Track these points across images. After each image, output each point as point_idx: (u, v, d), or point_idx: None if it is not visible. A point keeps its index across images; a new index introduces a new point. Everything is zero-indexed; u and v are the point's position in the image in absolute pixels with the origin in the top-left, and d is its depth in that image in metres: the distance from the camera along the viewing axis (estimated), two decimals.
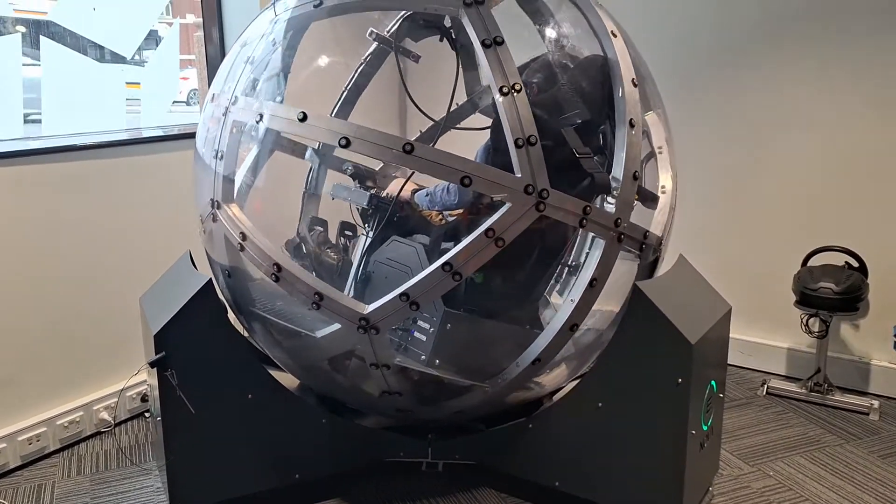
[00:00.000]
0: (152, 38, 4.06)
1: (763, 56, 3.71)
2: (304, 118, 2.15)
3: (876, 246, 3.49)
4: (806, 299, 3.43)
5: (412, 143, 2.06)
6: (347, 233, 2.87)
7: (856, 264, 3.48)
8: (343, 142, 2.09)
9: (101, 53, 3.77)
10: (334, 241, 2.87)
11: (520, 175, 2.07)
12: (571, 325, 2.28)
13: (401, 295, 2.16)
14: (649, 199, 2.51)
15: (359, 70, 2.89)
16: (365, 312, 2.19)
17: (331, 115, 2.84)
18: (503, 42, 2.11)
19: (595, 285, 2.25)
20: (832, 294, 3.35)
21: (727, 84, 3.83)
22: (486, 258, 2.11)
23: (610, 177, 2.28)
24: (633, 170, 2.27)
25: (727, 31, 3.79)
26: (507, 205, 2.08)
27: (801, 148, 3.67)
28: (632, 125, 2.28)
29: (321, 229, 2.89)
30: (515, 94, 2.07)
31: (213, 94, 2.50)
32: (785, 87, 3.68)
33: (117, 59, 3.70)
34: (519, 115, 2.06)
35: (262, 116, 2.27)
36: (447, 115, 2.63)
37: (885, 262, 3.48)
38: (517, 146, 2.06)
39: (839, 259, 3.51)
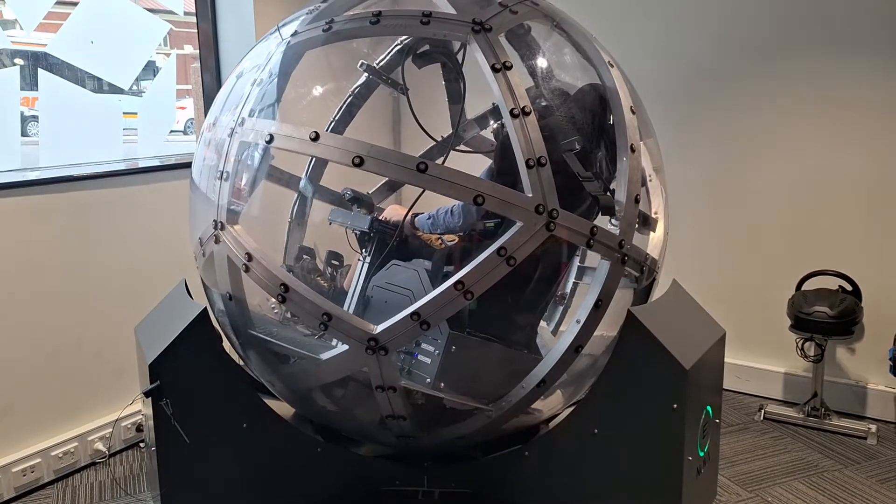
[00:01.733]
0: (150, 69, 4.10)
1: (753, 82, 3.74)
2: (316, 137, 2.15)
3: (869, 269, 3.50)
4: (800, 323, 3.44)
5: (426, 161, 2.09)
6: (334, 262, 2.87)
7: (849, 288, 3.49)
8: (357, 160, 2.10)
9: (99, 84, 3.80)
10: (322, 270, 2.87)
11: (531, 195, 2.11)
12: (577, 347, 2.31)
13: (411, 314, 2.16)
14: (647, 224, 2.54)
15: (347, 101, 2.91)
16: (374, 332, 2.20)
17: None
18: (512, 67, 2.16)
19: (600, 306, 2.28)
20: (827, 318, 3.36)
21: (718, 110, 3.86)
22: (498, 277, 2.13)
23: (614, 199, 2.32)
24: (634, 193, 2.32)
25: (716, 59, 3.83)
26: (519, 224, 2.11)
27: (793, 172, 3.70)
28: (632, 150, 2.33)
29: (309, 258, 2.89)
30: (525, 116, 2.12)
31: (213, 120, 2.50)
32: (776, 112, 3.71)
33: (115, 90, 3.74)
34: (529, 137, 2.11)
35: (272, 137, 2.25)
36: (454, 134, 2.65)
37: (879, 286, 3.49)
38: (528, 166, 2.10)
39: (833, 283, 3.52)
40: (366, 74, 2.80)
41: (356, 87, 2.90)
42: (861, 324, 3.49)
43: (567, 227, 2.16)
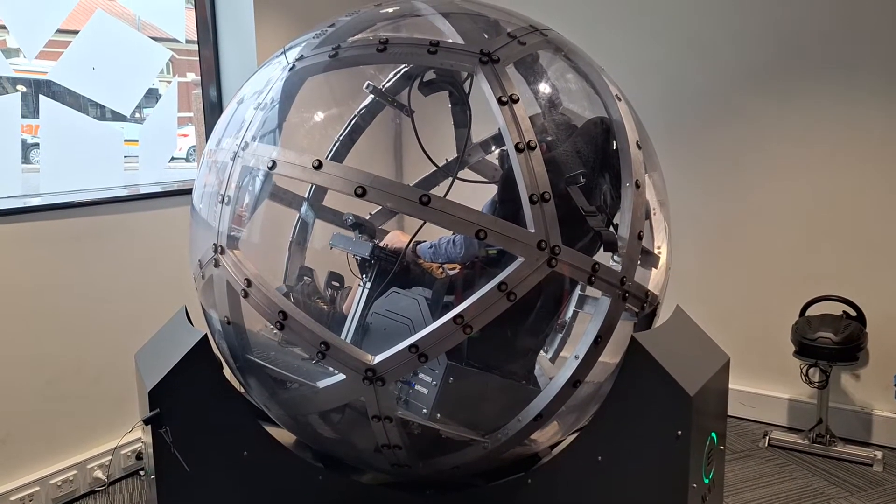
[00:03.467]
0: (151, 96, 4.13)
1: (756, 108, 3.77)
2: (318, 165, 2.14)
3: (873, 295, 3.49)
4: (805, 349, 3.42)
5: (429, 194, 2.07)
6: (335, 283, 2.86)
7: (853, 313, 3.47)
8: (359, 190, 2.09)
9: (101, 111, 3.82)
10: (322, 292, 2.86)
11: (533, 230, 2.09)
12: (574, 382, 2.28)
13: (410, 346, 2.14)
14: (649, 259, 2.52)
15: (352, 122, 2.91)
16: (372, 363, 2.18)
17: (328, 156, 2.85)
18: (518, 100, 2.14)
19: (599, 343, 2.26)
20: (831, 343, 3.34)
21: (720, 135, 3.88)
22: (498, 312, 2.11)
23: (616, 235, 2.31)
24: (638, 229, 2.30)
25: (718, 85, 3.85)
26: (520, 259, 2.09)
27: (796, 198, 3.71)
28: (637, 186, 2.31)
29: (310, 279, 2.88)
30: (530, 151, 2.10)
31: (216, 144, 2.50)
32: (779, 138, 3.73)
33: (116, 116, 3.75)
34: (534, 172, 2.09)
35: (274, 163, 2.23)
36: (458, 164, 2.64)
37: (883, 312, 3.48)
38: (531, 202, 2.08)
39: (837, 308, 3.51)
40: (371, 96, 2.80)
41: (360, 109, 2.89)
42: (865, 350, 3.48)
43: (569, 264, 2.14)
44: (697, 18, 3.87)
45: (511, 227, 2.11)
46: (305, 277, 2.88)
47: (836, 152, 3.60)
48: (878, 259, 3.53)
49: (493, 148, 2.81)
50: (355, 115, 2.90)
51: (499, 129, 2.18)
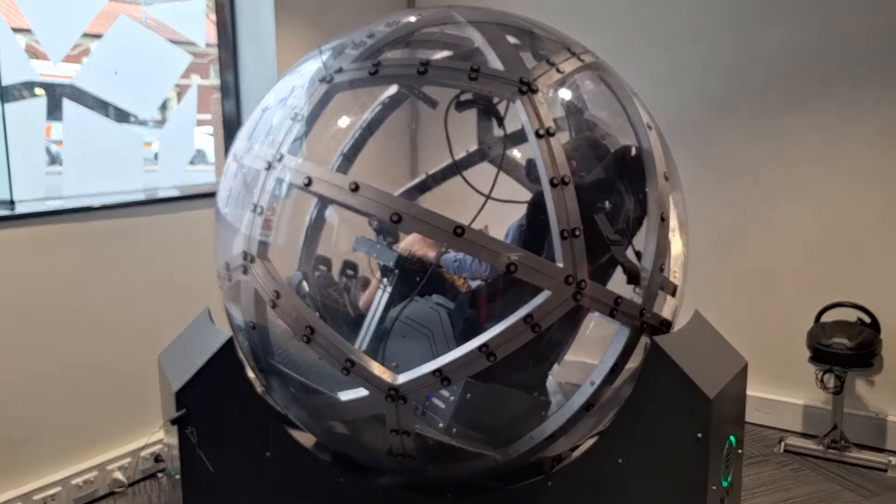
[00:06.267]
0: (171, 99, 4.16)
1: (770, 113, 3.79)
2: (356, 188, 2.14)
3: (888, 302, 3.51)
4: (820, 355, 3.43)
5: (463, 226, 2.09)
6: (349, 272, 2.87)
7: (868, 320, 3.49)
8: (395, 217, 2.11)
9: (122, 115, 3.86)
10: (336, 280, 2.86)
11: (562, 265, 2.12)
12: (588, 406, 2.32)
13: (434, 371, 2.18)
14: (667, 286, 2.54)
15: (373, 113, 2.89)
16: (395, 383, 2.21)
17: (340, 153, 2.86)
18: (555, 133, 2.15)
19: (615, 370, 2.31)
20: (846, 349, 3.36)
21: (735, 143, 3.90)
22: (522, 342, 2.14)
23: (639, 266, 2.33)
24: (660, 262, 2.33)
25: (736, 92, 3.88)
26: (547, 293, 2.12)
27: (812, 205, 3.72)
28: (662, 219, 2.33)
29: (325, 269, 2.89)
30: (564, 186, 2.12)
31: (244, 148, 2.50)
32: (796, 146, 3.75)
33: (137, 120, 3.79)
34: (566, 207, 2.11)
35: (310, 180, 2.24)
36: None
37: None
38: (562, 237, 2.11)
39: (851, 315, 3.52)
40: (393, 88, 2.80)
41: (384, 99, 2.88)
42: (880, 356, 3.49)
43: (592, 297, 2.17)
44: (717, 30, 3.89)
45: (541, 261, 2.14)
46: (322, 266, 2.89)
47: (851, 160, 3.62)
48: (893, 266, 3.55)
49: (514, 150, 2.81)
50: (378, 104, 2.89)
51: (531, 161, 2.19)
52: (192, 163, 5.73)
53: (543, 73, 2.26)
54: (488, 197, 2.41)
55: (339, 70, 2.37)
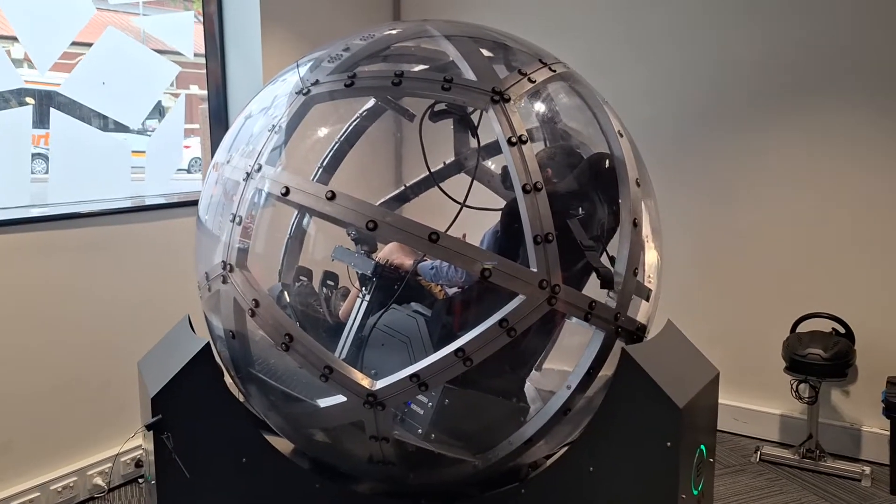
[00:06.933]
0: (154, 109, 4.19)
1: (749, 125, 3.84)
2: (332, 197, 2.18)
3: (862, 313, 3.55)
4: (795, 365, 3.48)
5: (438, 232, 2.13)
6: (329, 282, 2.90)
7: (843, 330, 3.53)
8: (370, 225, 2.14)
9: (108, 123, 3.89)
10: (317, 292, 2.89)
11: (535, 270, 2.16)
12: (565, 410, 2.36)
13: (411, 376, 2.21)
14: (641, 291, 2.58)
15: (352, 124, 2.93)
16: (373, 389, 2.23)
17: (320, 166, 2.90)
18: (527, 140, 2.19)
19: (592, 374, 2.35)
20: (820, 360, 3.40)
21: (713, 154, 3.95)
22: (498, 346, 2.18)
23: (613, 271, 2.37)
24: (634, 266, 2.37)
25: (713, 101, 3.92)
26: (522, 297, 2.16)
27: (788, 215, 3.77)
28: (635, 224, 2.38)
29: (307, 279, 2.91)
30: (536, 192, 2.16)
31: (225, 158, 2.53)
32: (772, 155, 3.79)
33: (124, 129, 3.82)
34: (539, 213, 2.15)
35: (287, 189, 2.27)
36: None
37: (872, 329, 3.54)
38: (535, 242, 2.15)
39: (827, 325, 3.57)
40: (371, 101, 2.83)
41: (362, 112, 2.92)
42: (855, 366, 3.53)
43: (567, 302, 2.21)
44: (692, 39, 3.95)
45: (515, 266, 2.18)
46: (302, 278, 2.92)
47: (827, 173, 3.67)
48: (867, 277, 3.60)
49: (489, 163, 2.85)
50: (357, 117, 2.93)
51: (506, 169, 2.23)
52: (189, 171, 5.80)
53: (515, 82, 2.30)
54: (463, 205, 2.43)
55: (316, 83, 2.41)
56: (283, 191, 2.28)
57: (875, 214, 3.57)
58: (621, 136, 2.50)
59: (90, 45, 3.58)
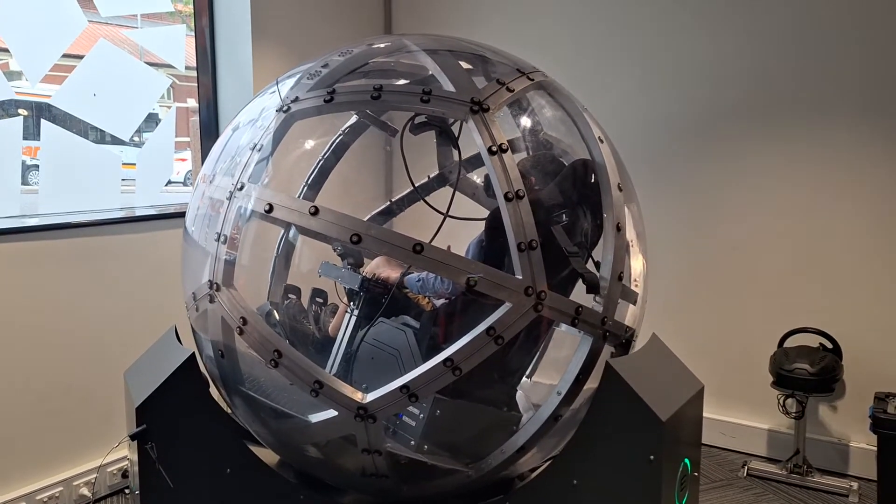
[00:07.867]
0: (151, 120, 4.21)
1: (737, 140, 3.86)
2: (315, 212, 2.19)
3: (849, 328, 3.56)
4: (782, 380, 3.48)
5: (422, 243, 2.14)
6: (318, 300, 2.90)
7: (830, 346, 3.54)
8: (355, 238, 2.15)
9: (99, 135, 3.91)
10: (306, 310, 2.90)
11: (521, 277, 2.16)
12: (556, 416, 2.36)
13: (401, 387, 2.21)
14: (628, 295, 2.59)
15: (336, 141, 2.95)
16: (364, 402, 2.24)
17: (304, 184, 2.91)
18: (508, 149, 2.21)
19: (580, 380, 2.34)
20: (807, 375, 3.41)
21: (701, 167, 3.97)
22: (486, 355, 2.18)
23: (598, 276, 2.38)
24: (619, 271, 2.38)
25: (701, 116, 3.95)
26: (508, 305, 2.17)
27: (775, 231, 3.79)
28: (618, 229, 2.39)
29: (295, 297, 2.92)
30: (519, 200, 2.17)
31: (210, 173, 2.54)
32: (759, 171, 3.82)
33: (115, 140, 3.83)
34: (522, 221, 2.16)
35: (271, 206, 2.28)
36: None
37: (859, 344, 3.55)
38: (519, 250, 2.16)
39: (814, 340, 3.58)
40: (354, 117, 2.85)
41: (345, 128, 2.94)
42: (842, 381, 3.54)
43: (553, 308, 2.22)
44: (681, 54, 3.98)
45: (500, 274, 2.18)
46: (291, 295, 2.93)
47: (815, 188, 3.69)
48: (854, 293, 3.61)
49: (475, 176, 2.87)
50: (340, 134, 2.94)
51: (486, 175, 2.25)
52: (184, 183, 5.81)
53: (494, 92, 2.32)
54: (446, 215, 2.45)
55: (296, 100, 2.42)
56: (267, 208, 2.29)
57: (863, 229, 3.59)
58: (602, 141, 2.52)
59: (82, 57, 3.60)
